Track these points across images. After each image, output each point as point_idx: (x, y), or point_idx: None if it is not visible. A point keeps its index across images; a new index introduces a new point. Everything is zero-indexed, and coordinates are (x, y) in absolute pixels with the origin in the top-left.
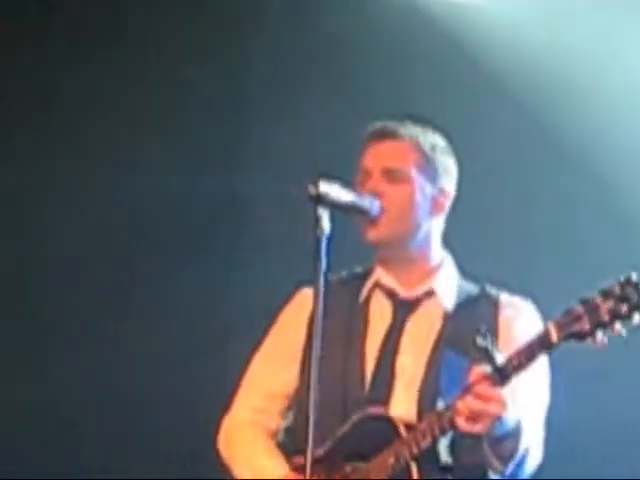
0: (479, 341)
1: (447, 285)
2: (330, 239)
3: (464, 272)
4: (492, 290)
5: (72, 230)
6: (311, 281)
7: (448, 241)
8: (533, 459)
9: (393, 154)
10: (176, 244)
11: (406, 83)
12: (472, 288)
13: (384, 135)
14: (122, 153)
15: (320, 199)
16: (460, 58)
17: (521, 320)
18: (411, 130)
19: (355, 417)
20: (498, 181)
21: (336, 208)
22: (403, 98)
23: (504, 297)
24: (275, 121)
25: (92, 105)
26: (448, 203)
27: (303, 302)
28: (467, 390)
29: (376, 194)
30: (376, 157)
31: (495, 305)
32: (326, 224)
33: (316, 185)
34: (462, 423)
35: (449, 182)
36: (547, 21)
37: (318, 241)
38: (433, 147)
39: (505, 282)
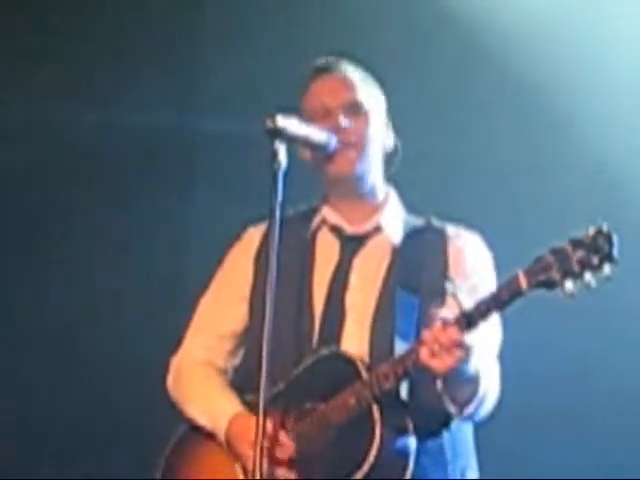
0: (449, 287)
1: (394, 220)
2: (286, 174)
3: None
4: (438, 223)
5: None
6: (257, 220)
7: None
8: (490, 401)
9: (348, 88)
10: (127, 180)
11: (360, 23)
12: (418, 222)
13: (336, 69)
14: (77, 90)
15: (277, 133)
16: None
17: (470, 252)
18: (355, 67)
19: (311, 357)
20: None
21: (293, 142)
22: (356, 37)
23: (451, 229)
24: (229, 57)
25: (41, 40)
26: (392, 139)
27: (248, 241)
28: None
29: (335, 129)
30: (333, 93)
31: (442, 237)
32: (283, 158)
33: (273, 119)
34: (426, 357)
35: (388, 121)
36: None
37: (274, 175)
38: (375, 85)
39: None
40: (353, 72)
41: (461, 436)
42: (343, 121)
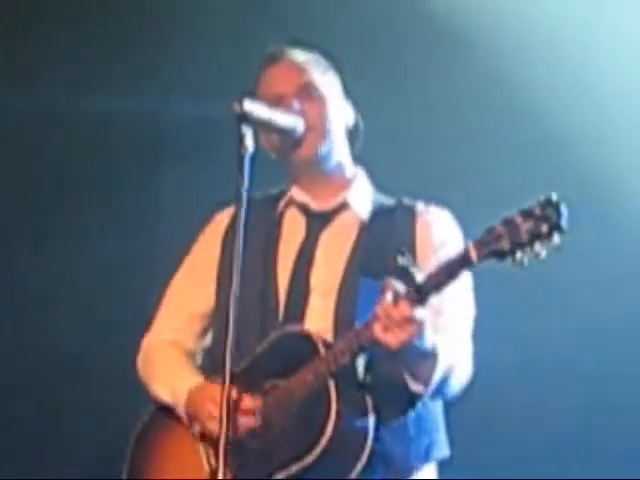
0: (399, 260)
1: (361, 197)
2: (253, 158)
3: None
4: (408, 201)
5: None
6: (224, 204)
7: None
8: (459, 377)
9: (302, 72)
10: (95, 164)
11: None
12: (388, 200)
13: (286, 56)
14: (47, 73)
15: (244, 117)
16: None
17: (438, 227)
18: (304, 52)
19: (274, 334)
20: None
21: (260, 126)
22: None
23: (420, 206)
24: (198, 40)
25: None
26: (352, 116)
27: (216, 224)
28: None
29: (296, 113)
30: (284, 77)
31: (411, 214)
32: (250, 142)
33: (241, 103)
34: (379, 332)
35: (344, 98)
36: None
37: (241, 159)
38: (329, 67)
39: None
40: (302, 56)
41: (426, 413)
42: (296, 105)
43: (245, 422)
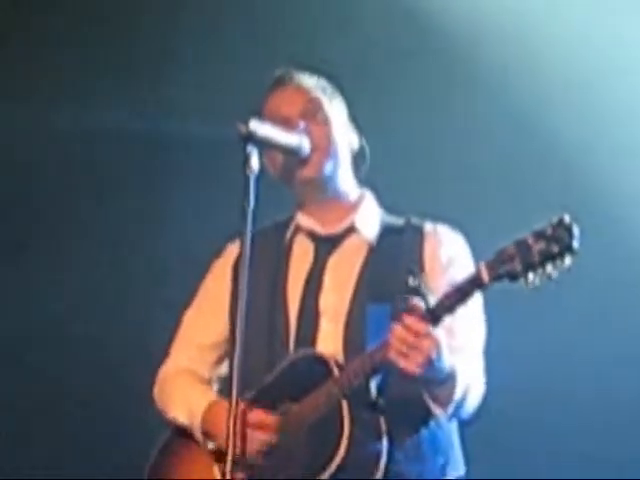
0: (410, 281)
1: (368, 219)
2: (259, 178)
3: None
4: (417, 221)
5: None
6: (235, 236)
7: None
8: (474, 397)
9: (307, 95)
10: (103, 182)
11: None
12: (396, 221)
13: (292, 80)
14: (46, 92)
15: (250, 137)
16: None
17: (446, 246)
18: (311, 77)
19: (287, 358)
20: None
21: (266, 147)
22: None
23: (428, 226)
24: (204, 61)
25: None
26: (357, 140)
27: (228, 255)
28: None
29: (302, 134)
30: (290, 100)
31: (420, 234)
32: (255, 163)
33: (246, 123)
34: (394, 356)
35: (349, 123)
36: None
37: (247, 179)
38: (334, 92)
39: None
40: (308, 80)
41: (441, 432)
42: (302, 125)
43: (259, 438)
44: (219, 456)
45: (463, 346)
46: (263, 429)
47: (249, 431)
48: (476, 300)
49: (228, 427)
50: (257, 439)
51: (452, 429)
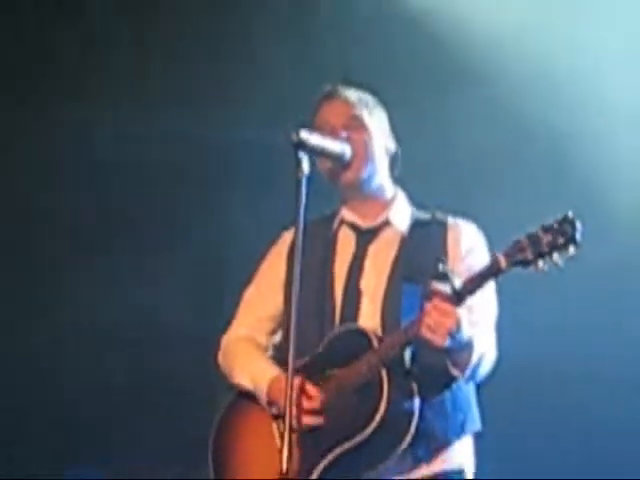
0: (440, 267)
1: (401, 214)
2: (309, 180)
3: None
4: (441, 215)
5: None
6: (289, 225)
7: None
8: (487, 362)
9: (350, 108)
10: (182, 184)
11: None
12: (424, 215)
13: (338, 95)
14: (126, 104)
15: (301, 145)
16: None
17: (465, 237)
18: (357, 91)
19: (334, 331)
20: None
21: (314, 153)
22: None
23: (451, 220)
24: (268, 80)
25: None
26: (393, 148)
27: (282, 242)
28: (429, 304)
29: (344, 142)
30: (335, 112)
31: (443, 227)
32: (306, 167)
33: (297, 132)
34: (425, 331)
35: (389, 131)
36: None
37: (299, 182)
38: (376, 105)
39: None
40: (352, 95)
41: (461, 394)
42: (344, 134)
43: (309, 406)
44: (277, 416)
45: (479, 320)
46: (313, 399)
47: (302, 400)
48: (490, 284)
49: (286, 398)
50: (309, 406)
51: (470, 391)
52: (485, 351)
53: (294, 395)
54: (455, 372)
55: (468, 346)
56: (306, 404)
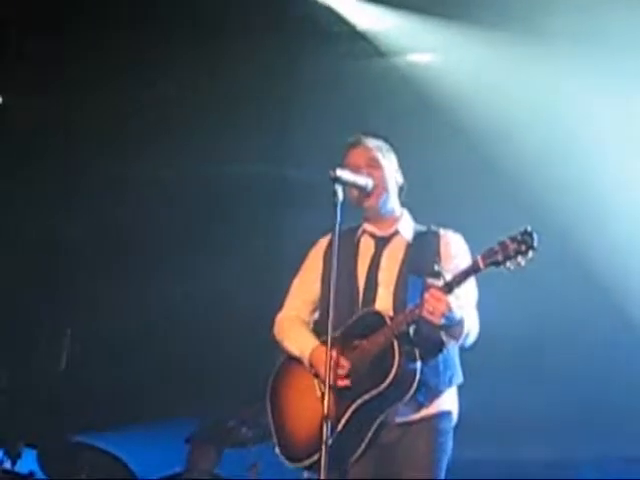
0: (435, 267)
1: (406, 227)
2: (343, 205)
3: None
4: (434, 227)
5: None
6: (326, 233)
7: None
8: (473, 334)
9: (370, 152)
10: (238, 217)
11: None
12: (422, 228)
13: (361, 143)
14: (186, 146)
15: (337, 179)
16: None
17: (454, 244)
18: (374, 139)
19: (358, 313)
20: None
21: (345, 185)
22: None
23: (442, 231)
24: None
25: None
26: (400, 181)
27: (320, 246)
28: (428, 294)
29: (367, 177)
30: (359, 155)
31: (437, 236)
32: (340, 195)
33: (334, 170)
34: (425, 313)
35: (398, 168)
36: None
37: (335, 206)
38: (389, 149)
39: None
40: (371, 142)
41: (449, 355)
42: (366, 171)
43: (341, 372)
44: (316, 374)
45: (464, 304)
46: (343, 367)
47: (336, 368)
48: (471, 279)
49: (325, 364)
50: (341, 372)
51: (455, 352)
52: (471, 325)
53: (331, 363)
54: (451, 342)
55: (459, 323)
56: (339, 371)
